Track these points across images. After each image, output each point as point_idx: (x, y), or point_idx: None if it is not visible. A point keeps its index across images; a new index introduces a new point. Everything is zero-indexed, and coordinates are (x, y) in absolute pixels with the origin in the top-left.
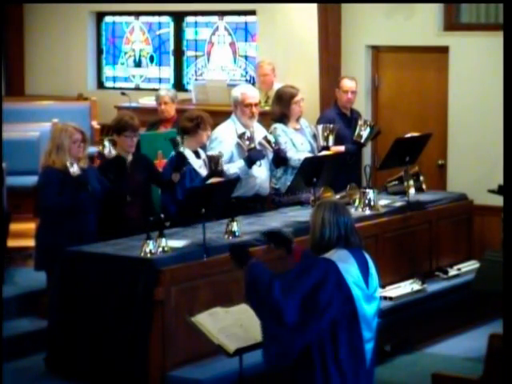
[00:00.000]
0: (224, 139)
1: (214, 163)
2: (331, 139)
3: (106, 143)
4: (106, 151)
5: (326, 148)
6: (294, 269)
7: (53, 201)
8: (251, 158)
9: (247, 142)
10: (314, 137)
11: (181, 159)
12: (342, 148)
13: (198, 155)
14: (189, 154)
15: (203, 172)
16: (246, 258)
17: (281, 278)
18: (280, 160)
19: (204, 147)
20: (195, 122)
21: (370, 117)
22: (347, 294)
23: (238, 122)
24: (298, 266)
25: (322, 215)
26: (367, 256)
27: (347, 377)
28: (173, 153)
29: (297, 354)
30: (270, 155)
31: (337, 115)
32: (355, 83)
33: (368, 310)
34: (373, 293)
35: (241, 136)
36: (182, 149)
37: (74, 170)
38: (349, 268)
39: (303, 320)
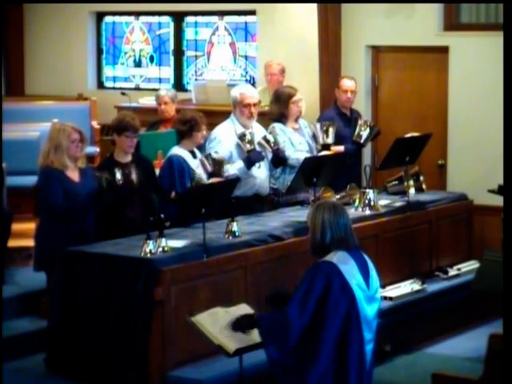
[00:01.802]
0: (223, 139)
1: (218, 166)
2: (331, 134)
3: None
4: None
5: (327, 147)
6: (299, 290)
7: (59, 203)
8: (250, 159)
9: (248, 145)
10: (314, 137)
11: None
12: (341, 148)
13: (194, 155)
14: (185, 154)
15: (200, 172)
16: (252, 322)
17: (290, 305)
18: (279, 160)
19: (200, 147)
20: (188, 125)
21: (370, 117)
22: (351, 297)
23: (237, 122)
24: (301, 285)
25: (322, 217)
26: (366, 257)
27: (353, 378)
28: (170, 153)
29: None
30: (270, 155)
31: (336, 115)
32: (354, 83)
33: (369, 311)
34: (373, 294)
35: (241, 137)
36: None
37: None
38: (350, 270)
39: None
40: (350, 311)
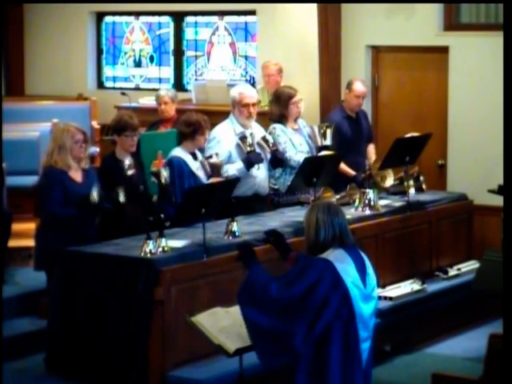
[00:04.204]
0: (222, 139)
1: (216, 171)
2: (329, 136)
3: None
4: (121, 199)
5: (326, 148)
6: (292, 271)
7: (57, 208)
8: (250, 160)
9: (248, 148)
10: (310, 138)
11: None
12: (352, 172)
13: (195, 157)
14: (186, 156)
15: (200, 174)
16: (250, 259)
17: (278, 281)
18: (277, 161)
19: (201, 148)
20: (192, 128)
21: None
22: (344, 294)
23: (236, 122)
24: (295, 268)
25: (316, 216)
26: (363, 255)
27: (342, 377)
28: (170, 155)
29: (296, 353)
30: (269, 155)
31: (343, 118)
32: (366, 87)
33: (365, 309)
34: (370, 292)
35: (242, 139)
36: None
37: (94, 198)
38: (346, 268)
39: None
40: (342, 309)
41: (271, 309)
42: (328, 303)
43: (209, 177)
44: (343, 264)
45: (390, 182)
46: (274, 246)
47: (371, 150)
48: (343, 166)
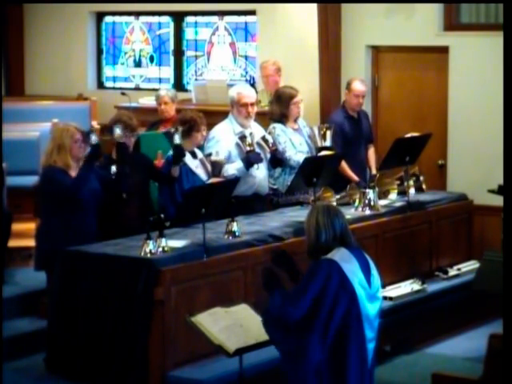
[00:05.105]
0: (221, 139)
1: (217, 169)
2: (329, 138)
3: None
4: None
5: (325, 148)
6: (298, 284)
7: (69, 182)
8: (249, 160)
9: (248, 148)
10: (310, 138)
11: (178, 152)
12: (355, 178)
13: (194, 155)
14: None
15: (200, 172)
16: (274, 286)
17: (290, 297)
18: (276, 161)
19: (200, 147)
20: (188, 126)
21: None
22: (351, 294)
23: (235, 122)
24: (301, 281)
25: (316, 218)
26: (367, 256)
27: (353, 376)
28: (171, 152)
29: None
30: (268, 155)
31: (345, 119)
32: (365, 86)
33: (370, 309)
34: (375, 292)
35: (241, 138)
36: (178, 141)
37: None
38: (352, 268)
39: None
40: (351, 309)
41: (288, 327)
42: (338, 302)
43: (209, 175)
44: (348, 264)
45: (393, 196)
46: (282, 268)
47: (371, 153)
48: (348, 171)
